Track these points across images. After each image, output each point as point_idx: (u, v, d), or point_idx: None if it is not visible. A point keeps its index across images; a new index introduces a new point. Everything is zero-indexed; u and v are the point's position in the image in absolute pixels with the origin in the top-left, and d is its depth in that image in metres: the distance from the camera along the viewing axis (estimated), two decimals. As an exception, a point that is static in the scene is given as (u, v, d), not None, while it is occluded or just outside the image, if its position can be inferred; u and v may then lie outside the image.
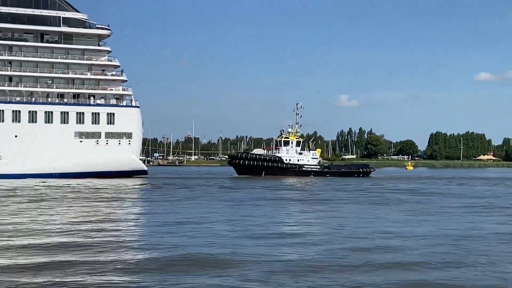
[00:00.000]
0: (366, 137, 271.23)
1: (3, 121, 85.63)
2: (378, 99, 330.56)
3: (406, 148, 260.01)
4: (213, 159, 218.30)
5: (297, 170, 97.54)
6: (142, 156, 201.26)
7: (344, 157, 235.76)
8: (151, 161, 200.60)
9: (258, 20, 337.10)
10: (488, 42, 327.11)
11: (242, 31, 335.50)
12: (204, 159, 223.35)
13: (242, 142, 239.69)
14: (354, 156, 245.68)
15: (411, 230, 30.37)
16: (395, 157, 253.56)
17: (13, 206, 44.08)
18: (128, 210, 45.26)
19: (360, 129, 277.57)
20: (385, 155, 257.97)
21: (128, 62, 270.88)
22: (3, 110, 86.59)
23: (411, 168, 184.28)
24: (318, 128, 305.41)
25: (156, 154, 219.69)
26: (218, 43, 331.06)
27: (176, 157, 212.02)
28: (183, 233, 29.16)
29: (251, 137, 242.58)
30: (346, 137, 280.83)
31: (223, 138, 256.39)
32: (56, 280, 17.35)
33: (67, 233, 28.91)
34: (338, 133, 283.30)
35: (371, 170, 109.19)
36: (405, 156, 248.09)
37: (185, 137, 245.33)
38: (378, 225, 33.52)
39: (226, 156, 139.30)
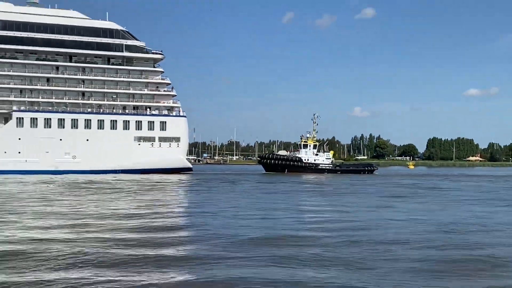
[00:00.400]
0: (375, 141, 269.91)
1: (77, 127, 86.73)
2: (384, 110, 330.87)
3: (408, 151, 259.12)
4: (250, 158, 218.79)
5: (314, 168, 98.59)
6: (194, 156, 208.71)
7: (357, 157, 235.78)
8: (201, 160, 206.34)
9: (285, 45, 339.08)
10: (476, 63, 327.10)
11: (270, 53, 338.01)
12: (243, 158, 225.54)
13: (274, 145, 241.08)
14: (365, 157, 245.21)
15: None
16: (399, 158, 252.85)
17: (97, 195, 44.16)
18: (190, 198, 45.55)
19: (370, 135, 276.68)
20: (390, 156, 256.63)
21: (178, 79, 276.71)
22: (77, 119, 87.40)
23: (412, 167, 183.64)
24: (336, 133, 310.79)
25: (205, 155, 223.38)
26: (253, 63, 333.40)
27: (221, 157, 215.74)
28: (226, 217, 29.45)
29: (281, 141, 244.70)
30: (358, 141, 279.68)
31: (258, 142, 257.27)
32: (152, 253, 17.70)
33: (148, 216, 29.27)
34: (352, 138, 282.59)
35: (375, 168, 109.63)
36: (407, 157, 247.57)
37: (228, 141, 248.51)
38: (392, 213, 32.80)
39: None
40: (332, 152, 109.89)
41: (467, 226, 26.26)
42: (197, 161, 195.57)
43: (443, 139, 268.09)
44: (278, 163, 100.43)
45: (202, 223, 27.20)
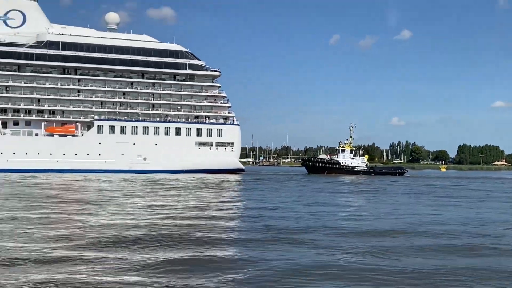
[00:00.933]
0: (411, 147, 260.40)
1: (147, 134, 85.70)
2: (419, 119, 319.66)
3: (440, 156, 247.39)
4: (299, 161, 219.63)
5: (350, 170, 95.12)
6: (251, 159, 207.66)
7: (394, 162, 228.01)
8: (258, 162, 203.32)
9: (332, 63, 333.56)
10: (502, 79, 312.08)
11: (320, 70, 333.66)
12: (294, 161, 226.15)
13: (321, 149, 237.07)
14: (402, 161, 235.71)
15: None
16: (432, 162, 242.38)
17: (177, 191, 44.36)
18: (242, 193, 44.99)
19: (406, 141, 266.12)
20: (424, 160, 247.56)
21: (234, 92, 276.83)
22: (147, 127, 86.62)
23: (444, 169, 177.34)
24: (376, 140, 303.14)
25: (261, 158, 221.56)
26: (303, 79, 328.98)
27: (275, 160, 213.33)
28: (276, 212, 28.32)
29: (327, 146, 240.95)
30: (396, 147, 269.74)
31: (307, 147, 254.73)
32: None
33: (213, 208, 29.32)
34: (390, 144, 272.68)
35: (405, 171, 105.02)
36: (440, 161, 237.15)
37: (281, 146, 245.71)
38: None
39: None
40: (367, 156, 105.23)
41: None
42: (254, 163, 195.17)
43: (472, 145, 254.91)
44: (319, 165, 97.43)
45: (257, 214, 26.67)
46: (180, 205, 31.65)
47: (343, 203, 36.37)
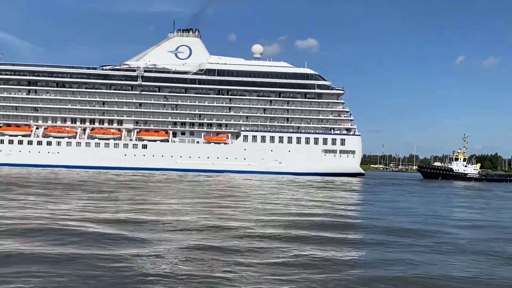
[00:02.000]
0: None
1: (282, 142, 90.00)
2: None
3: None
4: None
5: (463, 177, 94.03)
6: (382, 165, 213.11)
7: None
8: (388, 168, 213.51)
9: (454, 81, 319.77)
10: None
11: (444, 88, 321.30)
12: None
13: (446, 158, 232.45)
14: None
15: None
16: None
17: (317, 190, 46.15)
18: (370, 197, 43.49)
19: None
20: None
21: (366, 107, 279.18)
22: (282, 137, 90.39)
23: None
24: (499, 150, 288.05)
25: (391, 164, 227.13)
26: (428, 96, 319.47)
27: (403, 167, 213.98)
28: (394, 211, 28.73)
29: (451, 156, 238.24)
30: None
31: (433, 155, 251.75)
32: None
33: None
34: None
35: None
36: None
37: (409, 154, 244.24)
38: None
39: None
40: (479, 164, 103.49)
41: None
42: (384, 169, 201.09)
43: None
44: (433, 171, 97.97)
45: (371, 214, 26.90)
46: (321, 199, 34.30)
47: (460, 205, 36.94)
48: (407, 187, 65.42)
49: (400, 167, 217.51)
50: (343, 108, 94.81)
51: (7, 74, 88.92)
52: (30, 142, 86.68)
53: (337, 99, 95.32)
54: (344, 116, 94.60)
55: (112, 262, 12.13)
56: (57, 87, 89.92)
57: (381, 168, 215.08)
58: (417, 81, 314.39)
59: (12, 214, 20.81)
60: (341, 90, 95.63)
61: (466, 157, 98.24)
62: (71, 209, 23.78)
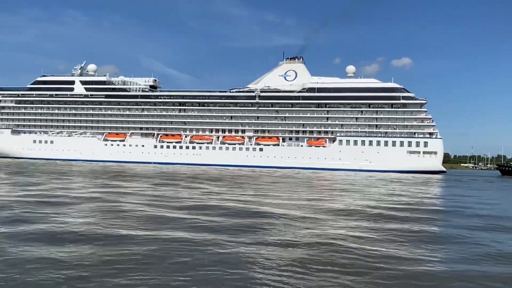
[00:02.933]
0: None
1: (372, 145, 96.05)
2: None
3: None
4: None
5: None
6: (471, 164, 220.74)
7: None
8: (476, 167, 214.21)
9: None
10: None
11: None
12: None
13: None
14: None
15: None
16: None
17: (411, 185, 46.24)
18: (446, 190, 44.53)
19: None
20: None
21: (437, 113, 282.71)
22: (372, 140, 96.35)
23: None
24: None
25: (479, 163, 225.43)
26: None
27: (492, 165, 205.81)
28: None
29: None
30: None
31: None
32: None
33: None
34: None
35: None
36: None
37: (497, 154, 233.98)
38: None
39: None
40: None
41: None
42: (474, 168, 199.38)
43: None
44: (510, 169, 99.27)
45: (453, 206, 26.74)
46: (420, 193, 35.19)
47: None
48: (481, 183, 64.56)
49: (488, 165, 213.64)
50: (425, 115, 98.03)
51: (165, 98, 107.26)
52: (181, 147, 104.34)
53: (420, 108, 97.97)
54: (427, 122, 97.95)
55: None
56: (199, 106, 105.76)
57: (471, 167, 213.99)
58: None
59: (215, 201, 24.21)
60: (424, 100, 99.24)
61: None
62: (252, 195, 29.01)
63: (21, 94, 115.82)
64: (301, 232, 15.53)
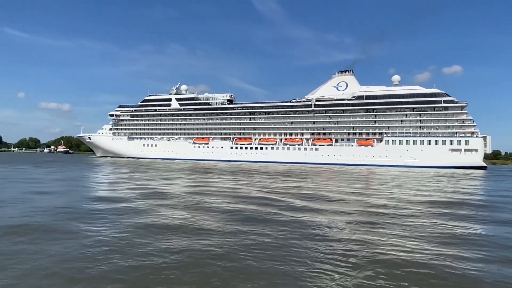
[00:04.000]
0: None
1: (416, 144, 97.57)
2: None
3: None
4: None
5: None
6: None
7: None
8: None
9: None
10: None
11: None
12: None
13: None
14: None
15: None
16: None
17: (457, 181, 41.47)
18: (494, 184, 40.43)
19: None
20: None
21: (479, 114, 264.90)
22: (416, 140, 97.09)
23: None
24: None
25: None
26: None
27: None
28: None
29: None
30: None
31: None
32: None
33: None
34: None
35: None
36: None
37: None
38: None
39: None
40: None
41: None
42: None
43: None
44: None
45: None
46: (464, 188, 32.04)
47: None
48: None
49: None
50: (466, 116, 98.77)
51: (239, 109, 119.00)
52: (251, 148, 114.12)
53: (461, 110, 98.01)
54: (468, 123, 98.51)
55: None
56: (265, 114, 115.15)
57: None
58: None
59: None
60: (464, 103, 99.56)
61: None
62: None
63: (134, 110, 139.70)
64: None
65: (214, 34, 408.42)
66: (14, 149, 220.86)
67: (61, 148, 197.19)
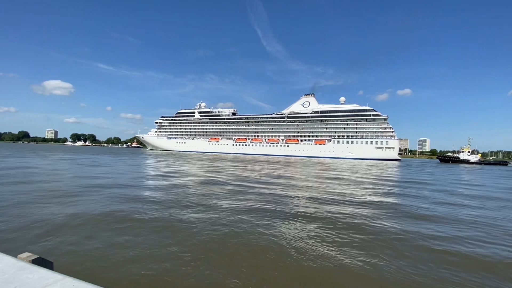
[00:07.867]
0: None
1: (353, 143, 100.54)
2: None
3: None
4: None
5: (466, 162, 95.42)
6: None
7: None
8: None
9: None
10: None
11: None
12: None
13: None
14: None
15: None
16: None
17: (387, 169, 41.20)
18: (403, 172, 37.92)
19: None
20: None
21: (397, 122, 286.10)
22: (353, 141, 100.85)
23: None
24: None
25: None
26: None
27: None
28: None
29: (505, 150, 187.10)
30: None
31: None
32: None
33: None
34: None
35: (508, 163, 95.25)
36: None
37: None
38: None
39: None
40: (480, 154, 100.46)
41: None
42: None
43: None
44: (446, 158, 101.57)
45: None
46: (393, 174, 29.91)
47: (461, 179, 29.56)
48: (426, 168, 55.16)
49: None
50: (387, 125, 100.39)
51: (238, 119, 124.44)
52: (246, 145, 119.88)
53: (384, 121, 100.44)
54: (388, 130, 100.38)
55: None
56: (255, 123, 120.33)
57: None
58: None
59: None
60: (386, 116, 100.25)
61: (470, 150, 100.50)
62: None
63: (171, 119, 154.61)
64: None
65: (238, 67, 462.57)
66: (104, 144, 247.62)
67: (134, 144, 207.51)
